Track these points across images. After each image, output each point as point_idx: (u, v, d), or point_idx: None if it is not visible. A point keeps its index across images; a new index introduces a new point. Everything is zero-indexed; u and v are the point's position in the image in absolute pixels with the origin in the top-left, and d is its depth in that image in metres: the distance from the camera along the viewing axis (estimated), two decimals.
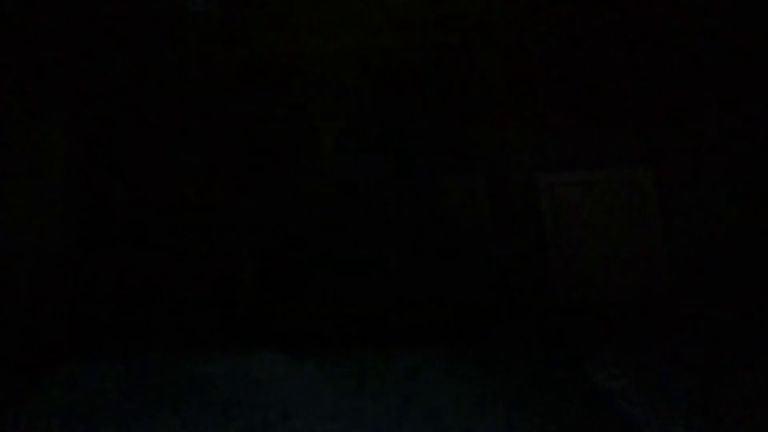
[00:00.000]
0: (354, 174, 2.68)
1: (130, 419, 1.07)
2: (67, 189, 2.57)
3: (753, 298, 1.98)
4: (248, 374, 1.25)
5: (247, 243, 2.59)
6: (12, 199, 2.49)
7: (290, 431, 1.02)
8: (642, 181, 2.90)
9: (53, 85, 2.55)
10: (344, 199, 2.64)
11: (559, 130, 2.81)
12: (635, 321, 1.73)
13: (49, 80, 2.54)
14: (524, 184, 2.87)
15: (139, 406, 1.12)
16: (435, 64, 2.70)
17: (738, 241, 2.59)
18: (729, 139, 2.71)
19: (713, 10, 2.49)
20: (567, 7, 2.56)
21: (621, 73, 2.67)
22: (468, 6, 2.53)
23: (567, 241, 2.76)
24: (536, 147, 2.83)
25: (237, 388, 1.17)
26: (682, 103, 2.71)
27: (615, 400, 0.78)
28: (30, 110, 2.53)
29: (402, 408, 0.98)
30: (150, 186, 2.67)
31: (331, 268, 2.55)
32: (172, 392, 1.17)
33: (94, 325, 2.48)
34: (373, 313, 2.41)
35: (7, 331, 2.36)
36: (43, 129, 2.56)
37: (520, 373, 0.92)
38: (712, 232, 2.67)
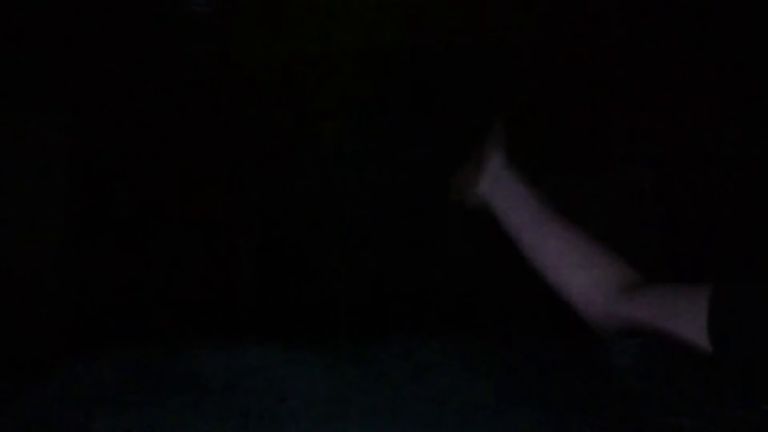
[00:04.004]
0: (354, 174, 2.69)
1: (128, 408, 1.07)
2: (69, 187, 2.59)
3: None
4: (245, 364, 1.26)
5: (246, 240, 2.61)
6: (13, 197, 2.50)
7: (286, 413, 1.02)
8: (643, 181, 2.90)
9: (57, 84, 2.57)
10: (344, 198, 2.65)
11: (559, 130, 2.82)
12: None
13: (53, 80, 2.56)
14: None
15: (137, 396, 1.13)
16: (436, 65, 2.72)
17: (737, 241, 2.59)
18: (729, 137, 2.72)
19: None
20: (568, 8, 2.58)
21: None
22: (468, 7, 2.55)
23: None
24: (537, 149, 2.84)
25: (234, 377, 1.17)
26: (683, 101, 2.72)
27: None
28: (34, 109, 2.55)
29: (398, 386, 0.99)
30: (150, 184, 2.68)
31: (330, 264, 2.56)
32: (170, 382, 1.17)
33: (94, 321, 2.49)
34: (370, 304, 2.42)
35: (7, 330, 2.36)
36: (48, 128, 2.58)
37: (513, 347, 0.94)
38: (712, 233, 2.67)
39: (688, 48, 2.64)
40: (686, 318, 0.75)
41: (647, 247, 2.78)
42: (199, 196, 2.76)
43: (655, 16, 2.58)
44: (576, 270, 0.93)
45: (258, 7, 2.46)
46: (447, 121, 2.85)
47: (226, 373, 1.14)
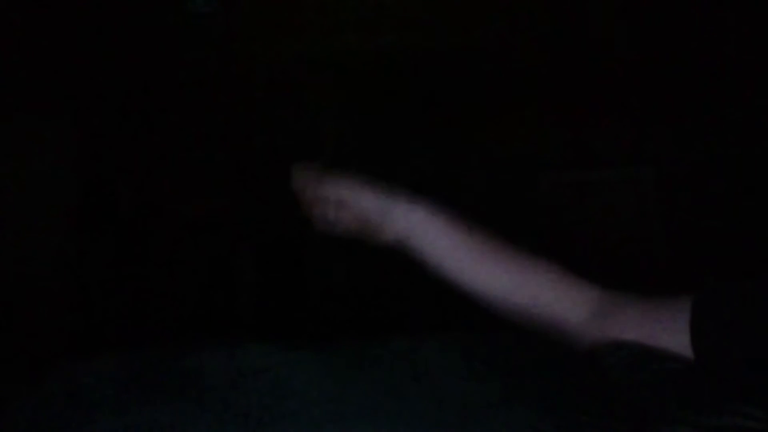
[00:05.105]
0: (355, 174, 2.68)
1: (127, 409, 1.06)
2: (71, 189, 2.59)
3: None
4: (244, 364, 1.25)
5: (247, 240, 2.60)
6: (16, 198, 2.50)
7: (286, 413, 1.01)
8: (643, 180, 2.90)
9: (58, 86, 2.58)
10: None
11: (559, 130, 2.82)
12: None
13: (54, 81, 2.57)
14: (524, 184, 2.88)
15: (137, 396, 1.12)
16: (436, 65, 2.72)
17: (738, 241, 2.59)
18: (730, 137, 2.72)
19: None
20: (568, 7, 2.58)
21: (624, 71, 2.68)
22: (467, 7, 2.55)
23: (563, 241, 2.76)
24: (536, 147, 2.84)
25: (233, 377, 1.17)
26: (684, 101, 2.72)
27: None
28: (36, 111, 2.55)
29: (398, 384, 0.98)
30: (152, 185, 2.68)
31: (329, 264, 2.56)
32: (170, 383, 1.17)
33: (94, 321, 2.49)
34: (370, 304, 2.42)
35: (7, 330, 2.36)
36: (50, 130, 2.58)
37: (513, 347, 0.94)
38: (714, 233, 2.67)
39: (689, 49, 2.64)
40: (669, 334, 0.74)
41: (647, 247, 2.78)
42: (200, 196, 2.76)
43: (657, 17, 2.58)
44: (532, 308, 0.89)
45: (258, 7, 2.47)
46: (447, 120, 2.85)
47: (227, 373, 1.13)
